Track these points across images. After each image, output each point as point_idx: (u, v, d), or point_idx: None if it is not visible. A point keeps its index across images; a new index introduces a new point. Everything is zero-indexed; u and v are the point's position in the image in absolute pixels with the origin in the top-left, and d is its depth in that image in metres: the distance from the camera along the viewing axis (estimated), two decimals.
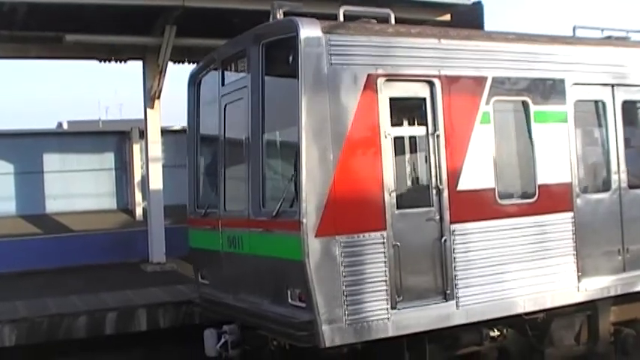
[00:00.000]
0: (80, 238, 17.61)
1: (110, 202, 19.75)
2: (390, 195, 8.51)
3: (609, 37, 11.13)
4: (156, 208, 16.48)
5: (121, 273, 15.83)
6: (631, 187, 10.52)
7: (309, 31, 8.30)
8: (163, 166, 16.82)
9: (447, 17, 15.93)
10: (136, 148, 19.46)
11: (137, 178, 19.40)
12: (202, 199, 11.08)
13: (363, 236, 8.33)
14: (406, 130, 9.03)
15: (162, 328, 12.12)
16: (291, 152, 8.90)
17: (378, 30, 8.88)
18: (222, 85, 10.23)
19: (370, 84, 8.49)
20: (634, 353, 10.79)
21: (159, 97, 16.30)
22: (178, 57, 16.27)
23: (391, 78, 8.67)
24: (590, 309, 10.19)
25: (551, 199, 9.72)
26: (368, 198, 8.42)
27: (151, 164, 16.49)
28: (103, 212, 19.06)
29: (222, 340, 9.43)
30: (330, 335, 8.10)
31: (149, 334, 12.04)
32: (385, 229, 8.44)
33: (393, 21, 9.31)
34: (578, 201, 9.95)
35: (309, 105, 8.16)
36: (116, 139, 20.28)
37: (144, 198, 18.53)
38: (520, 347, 9.84)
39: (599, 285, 10.06)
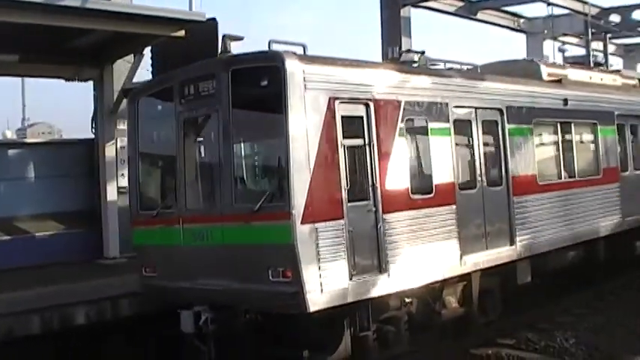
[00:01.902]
0: None
1: None
2: (345, 191, 10.90)
3: (470, 70, 14.41)
4: None
5: None
6: (489, 185, 13.81)
7: (291, 62, 10.48)
8: None
9: (182, 33, 15.94)
10: None
11: None
12: (147, 203, 12.70)
13: (330, 224, 10.64)
14: (352, 141, 11.28)
15: None
16: (269, 160, 11.01)
17: (334, 62, 11.30)
18: (180, 103, 11.97)
19: (331, 105, 10.84)
20: (491, 315, 14.14)
21: None
22: None
23: (343, 100, 11.08)
24: (465, 280, 13.29)
25: (442, 195, 12.63)
26: (332, 194, 10.74)
27: None
28: None
29: (204, 318, 11.12)
30: (312, 302, 10.30)
31: None
32: (343, 217, 10.81)
33: (308, 52, 11.63)
34: (458, 196, 12.95)
35: (293, 121, 10.33)
36: None
37: None
38: (422, 310, 12.63)
39: (473, 260, 13.16)
